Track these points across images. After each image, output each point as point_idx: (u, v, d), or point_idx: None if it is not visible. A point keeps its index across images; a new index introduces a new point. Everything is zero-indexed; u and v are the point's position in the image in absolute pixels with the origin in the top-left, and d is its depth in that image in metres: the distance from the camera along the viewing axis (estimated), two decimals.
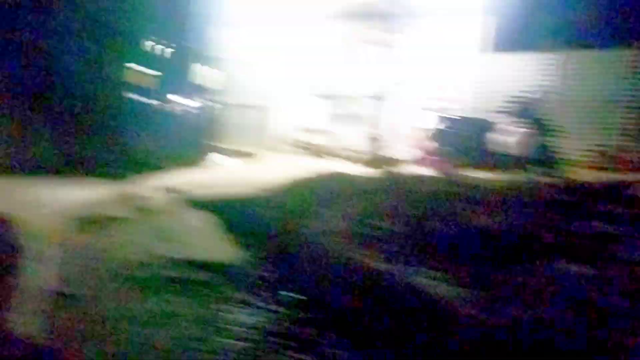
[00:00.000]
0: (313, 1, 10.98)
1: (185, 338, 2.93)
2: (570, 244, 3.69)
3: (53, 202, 7.91)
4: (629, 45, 8.68)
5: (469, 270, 3.47)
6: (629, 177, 6.58)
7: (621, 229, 3.87)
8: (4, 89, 12.60)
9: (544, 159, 7.17)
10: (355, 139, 11.21)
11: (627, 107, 8.39)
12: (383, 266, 3.76)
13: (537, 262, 3.44)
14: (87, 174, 12.51)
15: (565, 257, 3.50)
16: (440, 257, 3.71)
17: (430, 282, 3.39)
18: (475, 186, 5.42)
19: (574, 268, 3.36)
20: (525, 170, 6.57)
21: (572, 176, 6.86)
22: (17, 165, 12.01)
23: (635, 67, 8.34)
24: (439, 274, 3.49)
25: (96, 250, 4.41)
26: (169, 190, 6.99)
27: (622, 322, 2.64)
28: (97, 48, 17.67)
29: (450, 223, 4.05)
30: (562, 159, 7.37)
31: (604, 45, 8.89)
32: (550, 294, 3.02)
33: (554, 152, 7.28)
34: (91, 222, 5.80)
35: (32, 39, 14.42)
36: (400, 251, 3.95)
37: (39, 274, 3.46)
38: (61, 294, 3.28)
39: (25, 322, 2.51)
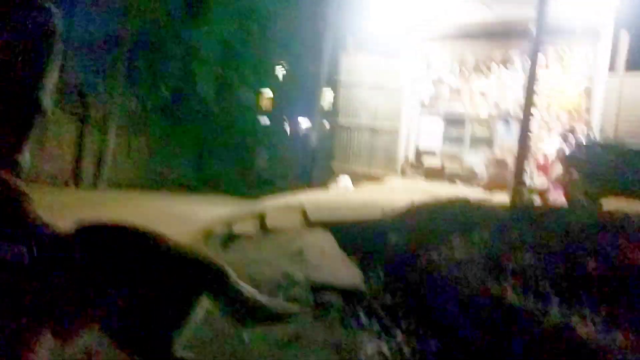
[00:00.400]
0: (439, 22, 10.81)
1: None
2: None
3: (188, 218, 8.46)
4: None
5: (626, 313, 3.11)
6: None
7: None
8: (148, 114, 13.87)
9: None
10: (483, 163, 10.78)
11: None
12: (524, 302, 3.50)
13: None
14: (218, 192, 13.31)
15: None
16: (591, 295, 3.37)
17: (580, 321, 3.08)
18: (618, 217, 4.91)
19: None
20: None
21: None
22: (155, 182, 13.10)
23: None
24: (590, 314, 3.16)
25: (233, 265, 4.58)
26: (293, 210, 7.16)
27: None
28: (230, 74, 18.84)
29: (603, 258, 3.68)
30: None
31: None
32: None
33: None
34: (224, 239, 6.10)
35: (173, 66, 15.73)
36: (542, 286, 3.65)
37: None
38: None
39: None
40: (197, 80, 17.84)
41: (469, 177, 10.39)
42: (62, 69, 11.68)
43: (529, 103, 5.94)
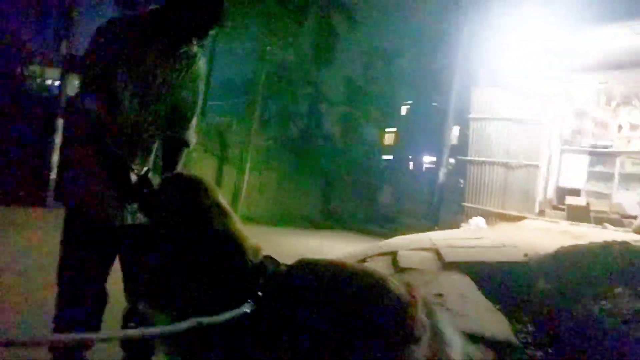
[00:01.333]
0: (581, 52, 10.11)
1: None
2: None
3: (320, 254, 8.53)
4: None
5: None
6: None
7: None
8: (278, 152, 14.50)
9: None
10: (630, 201, 9.74)
11: None
12: None
13: None
14: (342, 228, 13.40)
15: None
16: None
17: None
18: None
19: None
20: None
21: None
22: (284, 217, 13.52)
23: None
24: None
25: None
26: (426, 249, 6.90)
27: None
28: (355, 112, 19.20)
29: None
30: None
31: None
32: None
33: None
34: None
35: (301, 107, 16.36)
36: None
37: None
38: None
39: None
40: (323, 118, 18.40)
41: (620, 219, 9.38)
42: (204, 112, 12.63)
43: None
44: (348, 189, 17.18)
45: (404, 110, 23.60)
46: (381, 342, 1.68)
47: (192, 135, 2.52)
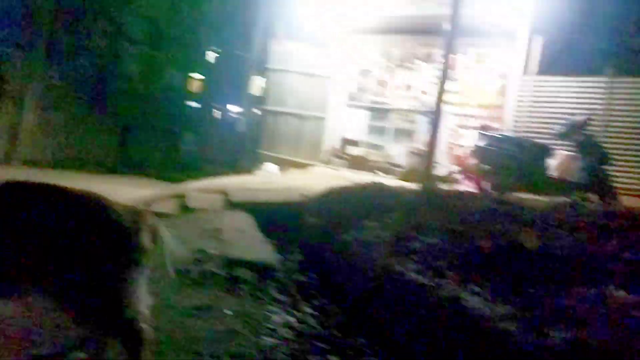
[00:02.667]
0: (366, 15, 11.09)
1: (226, 332, 3.02)
2: (619, 270, 3.60)
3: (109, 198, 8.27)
4: None
5: (513, 289, 3.43)
6: None
7: None
8: (69, 90, 13.30)
9: (591, 183, 6.99)
10: (399, 153, 11.21)
11: None
12: (423, 279, 3.76)
13: (584, 286, 3.37)
14: (141, 175, 13.01)
15: (613, 282, 3.42)
16: (482, 274, 3.69)
17: (471, 297, 3.37)
18: (520, 206, 5.34)
19: (621, 293, 3.29)
20: (571, 194, 6.43)
21: (620, 202, 6.66)
22: (75, 162, 12.62)
23: None
24: (482, 291, 3.46)
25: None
26: (215, 191, 7.20)
27: None
28: (159, 55, 18.35)
29: (495, 240, 4.02)
30: (609, 184, 7.16)
31: None
32: (596, 318, 2.96)
33: (600, 177, 7.08)
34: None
35: (98, 43, 15.12)
36: (441, 265, 3.94)
37: None
38: None
39: None
40: (123, 58, 17.27)
41: (391, 168, 10.76)
42: None
43: (440, 98, 6.28)
44: (148, 134, 16.55)
45: (211, 57, 23.22)
46: (102, 266, 1.83)
47: None
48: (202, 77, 22.92)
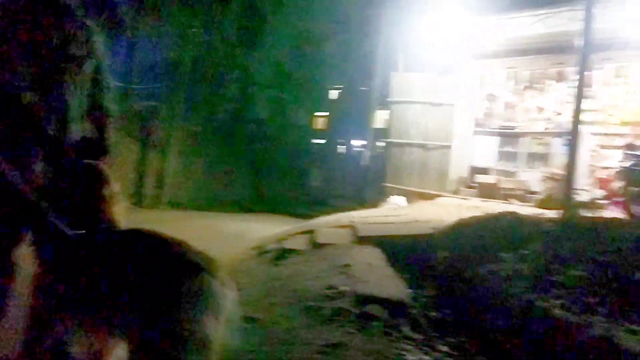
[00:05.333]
0: (491, 37, 10.77)
1: None
2: None
3: (242, 235, 8.75)
4: None
5: None
6: None
7: None
8: (207, 137, 14.50)
9: None
10: (533, 179, 10.56)
11: None
12: (570, 315, 3.46)
13: None
14: (273, 212, 13.64)
15: None
16: (638, 309, 3.31)
17: (626, 335, 3.03)
18: None
19: None
20: None
21: None
22: (212, 203, 13.60)
23: None
24: (637, 328, 3.10)
25: (283, 279, 4.76)
26: (343, 226, 7.28)
27: None
28: (285, 96, 19.34)
29: None
30: None
31: None
32: None
33: None
34: (276, 254, 6.29)
35: (230, 90, 16.32)
36: (590, 300, 3.60)
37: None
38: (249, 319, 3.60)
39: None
40: (252, 102, 18.44)
41: (525, 195, 10.16)
42: (127, 96, 12.45)
43: (576, 117, 5.84)
44: (279, 173, 17.37)
45: (334, 94, 23.92)
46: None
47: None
48: (326, 114, 23.70)
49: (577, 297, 3.66)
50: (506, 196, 10.29)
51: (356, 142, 23.59)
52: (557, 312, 3.54)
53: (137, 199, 11.94)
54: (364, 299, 4.00)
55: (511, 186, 10.62)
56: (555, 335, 3.44)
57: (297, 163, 18.53)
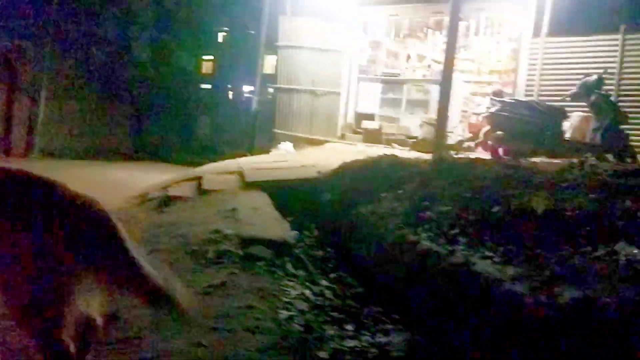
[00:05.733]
0: None
1: (243, 307, 3.12)
2: (631, 228, 3.60)
3: (124, 184, 8.45)
4: None
5: (524, 251, 3.47)
6: None
7: None
8: (81, 81, 13.48)
9: (606, 143, 6.91)
10: (414, 124, 11.15)
11: None
12: (436, 246, 3.81)
13: (594, 245, 3.39)
14: (158, 160, 13.22)
15: (626, 239, 3.43)
16: (494, 238, 3.72)
17: (482, 261, 3.42)
18: (533, 170, 5.33)
19: (634, 250, 3.30)
20: (587, 155, 6.36)
21: (637, 161, 6.59)
22: (91, 151, 12.87)
23: None
24: (493, 254, 3.50)
25: (167, 226, 4.73)
26: (231, 173, 7.29)
27: None
28: (168, 38, 18.38)
29: (506, 205, 4.04)
30: (625, 143, 7.07)
31: None
32: (605, 276, 2.99)
33: (615, 136, 6.99)
34: (160, 202, 6.20)
35: (107, 30, 15.20)
36: (453, 232, 3.99)
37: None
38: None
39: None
40: (133, 44, 17.33)
41: (406, 140, 10.72)
42: None
43: (448, 66, 6.23)
44: (163, 119, 16.73)
45: (220, 37, 23.13)
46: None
47: None
48: (213, 59, 22.98)
49: (443, 229, 4.03)
50: (389, 141, 10.80)
51: (245, 88, 23.27)
52: (425, 243, 3.88)
53: (4, 148, 10.99)
54: (249, 241, 4.11)
55: (394, 131, 11.14)
56: (423, 264, 3.78)
57: (183, 109, 17.96)
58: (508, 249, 3.56)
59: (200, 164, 9.53)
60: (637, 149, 7.38)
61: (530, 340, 2.75)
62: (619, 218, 3.73)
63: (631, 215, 3.75)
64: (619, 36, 8.61)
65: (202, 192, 6.45)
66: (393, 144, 10.57)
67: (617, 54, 8.61)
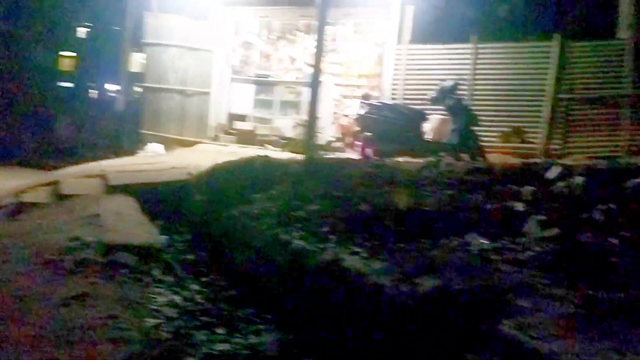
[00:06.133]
0: None
1: (105, 317, 2.92)
2: (481, 220, 3.94)
3: None
4: (538, 38, 9.25)
5: (388, 245, 3.64)
6: (538, 160, 7.03)
7: (528, 206, 4.16)
8: None
9: (461, 144, 7.52)
10: (287, 125, 11.28)
11: (533, 95, 8.91)
12: (307, 245, 3.88)
13: (450, 237, 3.66)
14: (14, 164, 11.99)
15: (476, 231, 3.74)
16: (361, 235, 3.87)
17: (350, 257, 3.54)
18: (396, 169, 5.64)
19: (483, 240, 3.61)
20: (444, 154, 6.86)
21: (487, 159, 7.25)
22: None
23: (543, 57, 8.86)
24: (361, 250, 3.64)
25: (19, 236, 4.30)
26: (93, 176, 6.83)
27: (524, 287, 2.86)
28: (27, 34, 16.77)
29: (372, 203, 4.22)
30: (477, 143, 7.75)
31: (513, 37, 9.45)
32: (459, 264, 3.23)
33: (468, 137, 7.64)
34: (15, 209, 5.63)
35: None
36: (324, 230, 4.08)
37: None
38: None
39: None
40: None
41: (279, 140, 10.80)
42: None
43: (317, 68, 6.39)
44: (17, 120, 15.24)
45: (82, 33, 21.66)
46: None
47: None
48: (74, 55, 21.39)
49: (314, 228, 4.11)
50: (263, 142, 10.82)
51: (110, 87, 21.95)
52: (296, 242, 3.93)
53: None
54: (113, 248, 3.86)
55: (267, 132, 11.19)
56: (296, 262, 3.83)
57: (40, 108, 16.49)
58: (375, 244, 3.72)
59: (60, 168, 8.83)
60: (486, 149, 8.13)
61: (396, 326, 2.90)
62: (470, 211, 4.06)
63: (480, 207, 4.11)
64: (472, 45, 9.40)
65: (61, 197, 5.97)
66: (267, 145, 10.61)
67: (470, 62, 9.40)
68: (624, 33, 8.70)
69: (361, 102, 8.92)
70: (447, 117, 8.03)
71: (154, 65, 11.58)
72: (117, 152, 11.74)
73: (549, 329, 2.36)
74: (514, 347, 2.26)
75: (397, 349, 2.83)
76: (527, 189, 4.46)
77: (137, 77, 13.75)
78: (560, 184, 4.43)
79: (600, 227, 3.70)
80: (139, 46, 12.66)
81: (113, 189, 6.14)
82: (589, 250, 3.32)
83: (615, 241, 3.49)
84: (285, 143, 10.53)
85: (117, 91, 16.79)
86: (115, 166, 7.60)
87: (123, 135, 13.34)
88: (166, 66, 11.46)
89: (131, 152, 11.05)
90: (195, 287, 3.96)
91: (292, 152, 9.38)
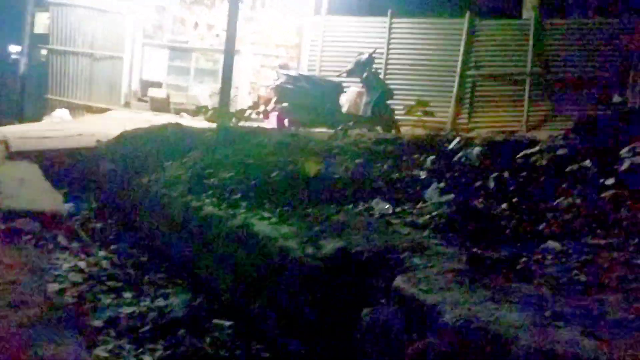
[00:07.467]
0: None
1: (8, 283, 2.85)
2: (386, 187, 4.16)
3: None
4: (450, 15, 9.66)
5: (297, 211, 3.77)
6: (442, 133, 7.42)
7: (430, 174, 4.43)
8: None
9: (375, 116, 7.78)
10: (204, 94, 11.10)
11: (444, 71, 9.34)
12: (218, 211, 3.93)
13: (355, 202, 3.84)
14: None
15: (381, 196, 3.95)
16: (271, 201, 3.97)
17: (260, 222, 3.63)
18: (309, 138, 5.76)
19: (386, 206, 3.82)
20: (356, 125, 7.07)
21: (399, 132, 7.55)
22: None
23: (454, 34, 9.28)
24: (270, 216, 3.74)
25: None
26: (1, 143, 6.46)
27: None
28: None
29: (283, 170, 4.32)
30: (390, 116, 8.04)
31: (428, 13, 9.81)
32: (362, 227, 3.42)
33: (384, 110, 7.91)
34: None
35: None
36: (235, 197, 4.14)
37: None
38: None
39: None
40: None
41: (195, 109, 10.60)
42: None
43: (230, 35, 6.33)
44: None
45: None
46: None
47: None
48: None
49: (226, 195, 4.16)
50: (178, 110, 10.59)
51: (12, 48, 20.43)
52: (208, 208, 3.97)
53: None
54: (14, 214, 3.71)
55: (182, 100, 10.96)
56: (208, 228, 3.88)
57: None
58: (284, 210, 3.83)
59: None
60: (400, 123, 8.44)
61: (301, 287, 3.04)
62: (377, 179, 4.26)
63: (386, 175, 4.33)
64: (387, 19, 9.64)
65: None
66: (182, 114, 10.40)
67: (385, 35, 9.65)
68: (527, 14, 9.27)
69: (278, 72, 8.93)
70: (363, 90, 8.24)
71: (60, 26, 10.95)
72: (21, 117, 11.08)
73: (438, 283, 2.58)
74: (405, 300, 2.46)
75: (301, 306, 2.97)
76: (430, 159, 4.73)
77: (43, 39, 12.92)
78: (460, 154, 4.74)
79: (493, 194, 4.03)
80: (45, 5, 11.88)
81: (15, 156, 5.86)
82: (480, 215, 3.61)
83: (504, 206, 3.81)
84: (201, 111, 10.35)
85: (19, 54, 15.72)
86: (18, 132, 7.23)
87: (27, 100, 12.57)
88: (73, 28, 10.86)
89: (36, 118, 10.46)
90: (102, 253, 3.91)
91: (208, 120, 9.25)
